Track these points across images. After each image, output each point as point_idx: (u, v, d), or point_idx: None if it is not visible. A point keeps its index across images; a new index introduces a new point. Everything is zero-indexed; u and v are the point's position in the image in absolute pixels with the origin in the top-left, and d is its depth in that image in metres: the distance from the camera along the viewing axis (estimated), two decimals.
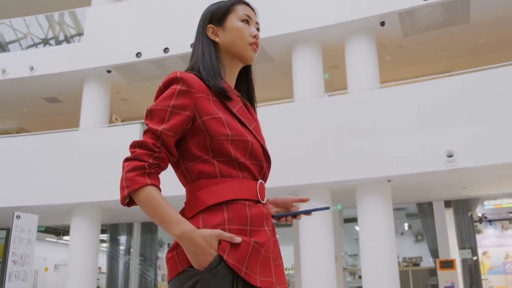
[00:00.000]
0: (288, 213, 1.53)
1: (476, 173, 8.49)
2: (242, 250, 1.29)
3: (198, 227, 1.29)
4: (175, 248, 1.32)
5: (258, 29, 1.54)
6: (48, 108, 12.79)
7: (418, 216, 11.39)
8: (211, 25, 1.52)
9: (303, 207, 1.49)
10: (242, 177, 1.38)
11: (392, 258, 8.31)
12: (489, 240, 15.04)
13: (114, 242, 13.10)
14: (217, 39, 1.50)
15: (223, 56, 1.51)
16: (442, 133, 7.78)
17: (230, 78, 1.52)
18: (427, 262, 11.43)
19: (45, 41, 12.26)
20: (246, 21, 1.51)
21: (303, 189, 8.50)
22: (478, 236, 14.87)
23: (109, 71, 10.92)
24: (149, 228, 13.07)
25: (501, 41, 10.12)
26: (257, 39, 1.52)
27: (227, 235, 1.28)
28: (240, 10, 1.52)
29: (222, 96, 1.42)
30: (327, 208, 1.56)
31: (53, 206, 9.96)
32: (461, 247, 10.80)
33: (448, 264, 9.79)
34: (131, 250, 12.96)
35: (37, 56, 11.38)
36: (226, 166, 1.36)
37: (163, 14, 10.81)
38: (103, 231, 13.55)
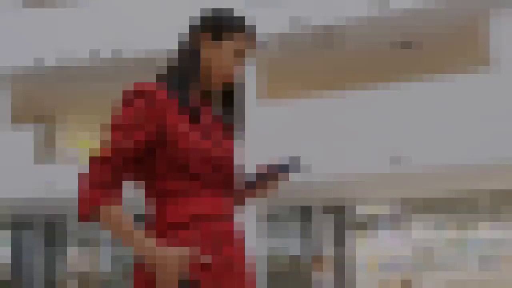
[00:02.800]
0: (259, 176, 1.47)
1: None
2: (212, 267, 1.30)
3: (164, 245, 1.25)
4: (141, 273, 1.29)
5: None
6: None
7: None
8: (207, 33, 1.39)
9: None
10: (206, 193, 1.35)
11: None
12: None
13: (17, 237, 13.22)
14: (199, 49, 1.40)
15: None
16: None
17: (203, 87, 1.44)
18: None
19: None
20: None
21: None
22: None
23: None
24: (53, 225, 13.25)
25: None
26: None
27: (196, 252, 1.26)
28: (237, 44, 1.40)
29: (189, 112, 1.35)
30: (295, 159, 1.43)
31: None
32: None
33: None
34: (35, 245, 13.10)
35: None
36: (191, 181, 1.33)
37: None
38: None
